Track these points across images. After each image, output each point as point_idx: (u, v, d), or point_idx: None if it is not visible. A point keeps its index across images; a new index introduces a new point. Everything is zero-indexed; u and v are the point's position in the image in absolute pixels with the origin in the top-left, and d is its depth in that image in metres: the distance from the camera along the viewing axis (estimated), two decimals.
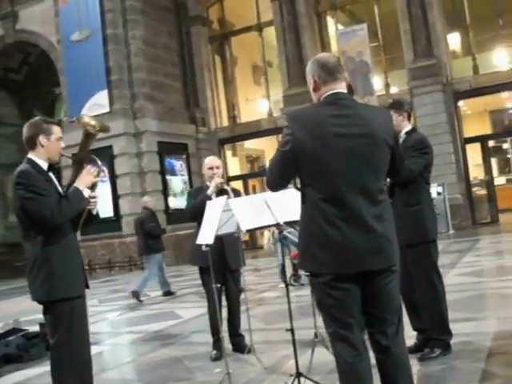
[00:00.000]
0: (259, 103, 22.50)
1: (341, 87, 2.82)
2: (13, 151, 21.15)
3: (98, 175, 3.70)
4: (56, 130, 3.68)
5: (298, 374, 3.81)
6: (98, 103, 17.98)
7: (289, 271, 10.18)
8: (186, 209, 5.41)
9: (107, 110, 17.94)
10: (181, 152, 20.16)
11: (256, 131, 20.95)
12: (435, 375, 4.10)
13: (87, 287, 3.77)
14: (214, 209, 4.26)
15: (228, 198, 4.45)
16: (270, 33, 20.96)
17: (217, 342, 5.43)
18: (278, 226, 3.74)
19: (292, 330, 3.87)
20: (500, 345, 4.69)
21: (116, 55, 18.31)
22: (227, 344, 5.50)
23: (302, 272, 10.00)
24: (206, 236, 4.29)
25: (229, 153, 22.40)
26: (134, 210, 17.81)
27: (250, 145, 23.19)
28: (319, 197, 2.70)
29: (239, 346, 5.46)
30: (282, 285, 9.96)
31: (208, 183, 5.30)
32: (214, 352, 5.38)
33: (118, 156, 18.18)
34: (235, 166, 22.58)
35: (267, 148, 23.83)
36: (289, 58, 19.32)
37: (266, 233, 10.91)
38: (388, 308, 2.80)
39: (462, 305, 6.12)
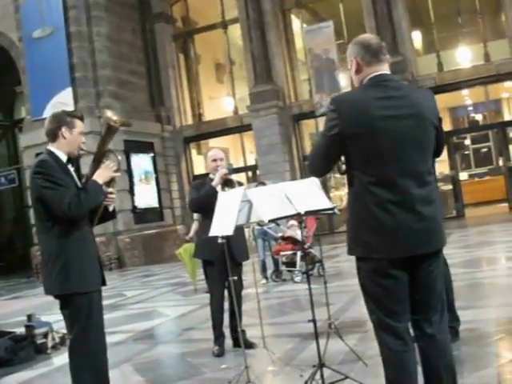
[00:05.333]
0: (224, 101, 22.38)
1: (385, 69, 2.77)
2: None
3: (117, 170, 3.63)
4: (79, 123, 3.65)
5: (321, 365, 3.76)
6: (62, 101, 17.44)
7: (270, 267, 10.15)
8: (190, 201, 5.31)
9: (72, 108, 17.33)
10: (147, 151, 19.89)
11: (221, 129, 20.89)
12: None
13: (104, 284, 3.65)
14: (231, 199, 4.17)
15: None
16: (235, 30, 20.90)
17: (219, 338, 5.35)
18: (298, 215, 3.68)
19: (314, 321, 3.81)
20: (505, 330, 4.78)
21: (80, 52, 17.89)
22: (228, 339, 5.44)
23: (283, 267, 9.96)
24: (221, 227, 4.19)
25: (194, 151, 22.24)
26: None
27: (216, 143, 23.02)
28: (369, 180, 2.64)
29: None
30: (264, 281, 10.00)
31: (212, 175, 5.22)
32: (217, 348, 5.28)
33: (84, 155, 17.65)
34: (200, 165, 22.38)
35: (232, 146, 23.74)
36: (254, 55, 19.28)
37: (246, 229, 10.81)
38: (432, 294, 2.77)
39: (456, 294, 6.17)
